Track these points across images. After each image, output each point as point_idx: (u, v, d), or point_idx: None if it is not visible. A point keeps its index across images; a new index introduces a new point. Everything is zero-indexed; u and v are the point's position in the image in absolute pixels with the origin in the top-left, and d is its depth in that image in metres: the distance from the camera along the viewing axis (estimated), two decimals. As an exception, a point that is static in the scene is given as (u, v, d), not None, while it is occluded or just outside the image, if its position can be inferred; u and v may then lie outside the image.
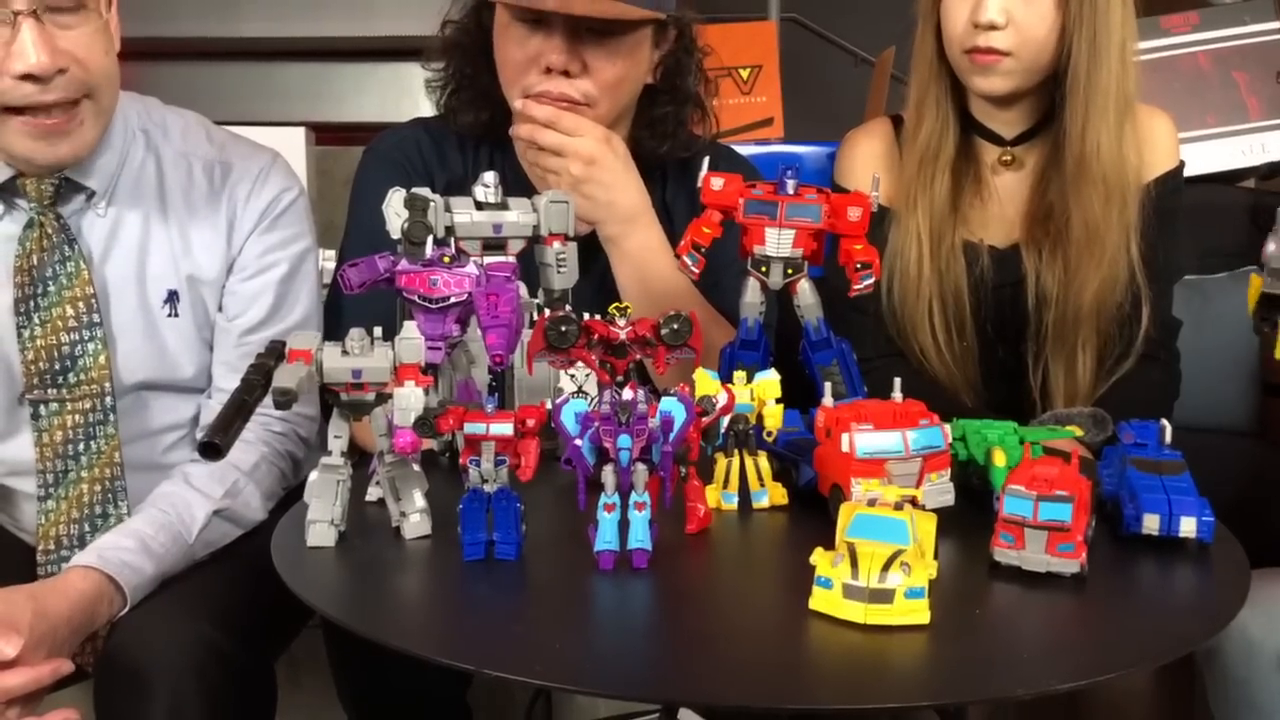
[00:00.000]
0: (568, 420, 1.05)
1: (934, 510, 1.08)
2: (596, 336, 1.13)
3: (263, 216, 1.50)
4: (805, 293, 1.29)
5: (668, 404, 1.05)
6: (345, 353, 1.09)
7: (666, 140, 1.64)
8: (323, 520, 1.11)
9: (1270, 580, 1.32)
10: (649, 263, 1.53)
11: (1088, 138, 1.53)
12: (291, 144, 2.25)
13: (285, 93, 2.94)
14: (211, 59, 2.90)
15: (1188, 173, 2.06)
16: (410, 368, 1.10)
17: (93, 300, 1.42)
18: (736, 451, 1.20)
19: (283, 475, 1.51)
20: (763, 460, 1.21)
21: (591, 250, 1.49)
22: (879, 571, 0.93)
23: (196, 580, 1.35)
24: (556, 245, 1.31)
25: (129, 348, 1.45)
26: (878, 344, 1.61)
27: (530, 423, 1.06)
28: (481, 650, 0.92)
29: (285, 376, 1.03)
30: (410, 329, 1.13)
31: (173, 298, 1.47)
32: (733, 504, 1.20)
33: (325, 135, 2.46)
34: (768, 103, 2.55)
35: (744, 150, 2.13)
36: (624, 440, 1.02)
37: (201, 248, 1.48)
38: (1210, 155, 2.12)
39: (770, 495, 1.21)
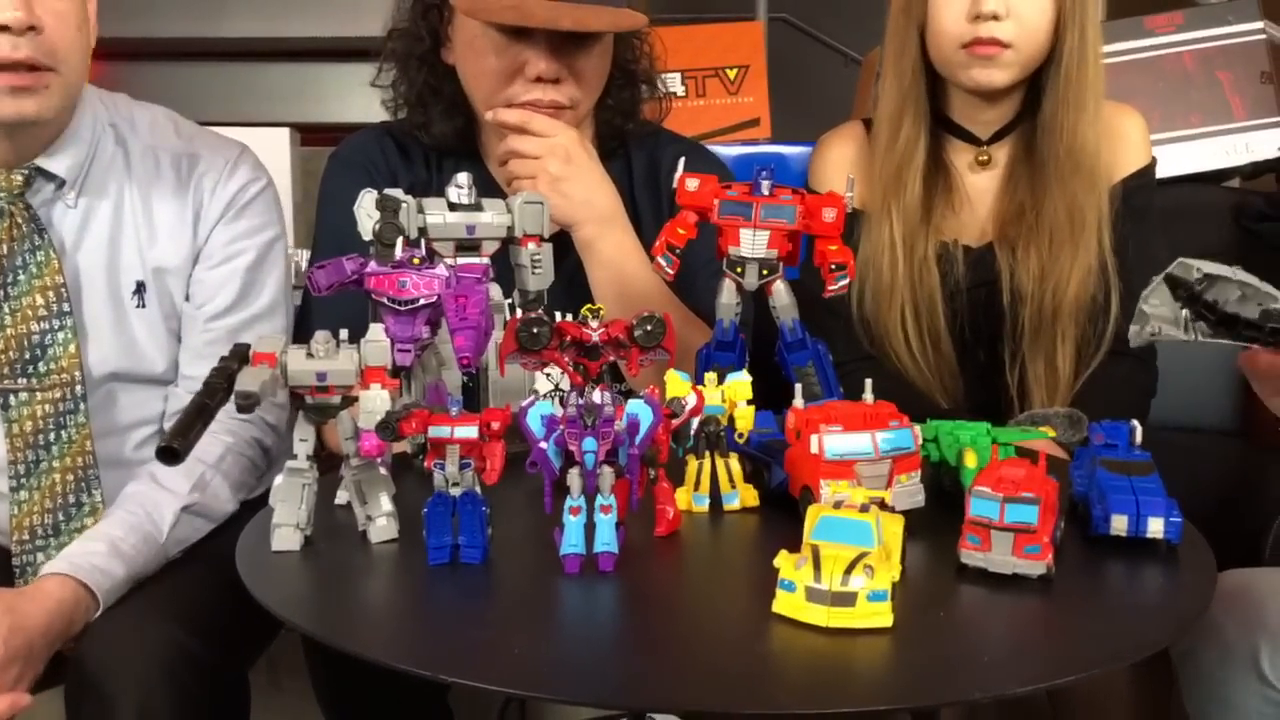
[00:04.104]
0: (533, 423, 1.04)
1: (904, 512, 1.07)
2: (569, 338, 1.13)
3: (229, 206, 1.51)
4: (780, 294, 1.28)
5: (634, 406, 1.05)
6: (310, 355, 1.09)
7: (630, 119, 1.65)
8: (287, 524, 1.10)
9: (1245, 580, 1.32)
10: (624, 265, 1.53)
11: (1079, 131, 1.56)
12: (276, 144, 2.25)
13: (270, 93, 2.92)
14: (196, 59, 2.89)
15: (1172, 173, 2.06)
16: (376, 370, 1.09)
17: (63, 290, 1.42)
18: (707, 453, 1.19)
19: (252, 464, 1.50)
20: (734, 462, 1.20)
21: (561, 248, 1.48)
22: (842, 574, 0.92)
23: (168, 583, 1.35)
24: (531, 246, 1.29)
25: (99, 338, 1.46)
26: (853, 346, 1.61)
27: (495, 425, 1.05)
28: (442, 656, 0.91)
29: (248, 380, 1.03)
30: (376, 331, 1.12)
31: (140, 289, 1.48)
32: (704, 506, 1.19)
33: (311, 136, 2.45)
34: (755, 103, 2.55)
35: (731, 150, 2.13)
36: (589, 443, 1.01)
37: (168, 238, 1.49)
38: (1194, 155, 2.12)
39: (741, 497, 1.20)
